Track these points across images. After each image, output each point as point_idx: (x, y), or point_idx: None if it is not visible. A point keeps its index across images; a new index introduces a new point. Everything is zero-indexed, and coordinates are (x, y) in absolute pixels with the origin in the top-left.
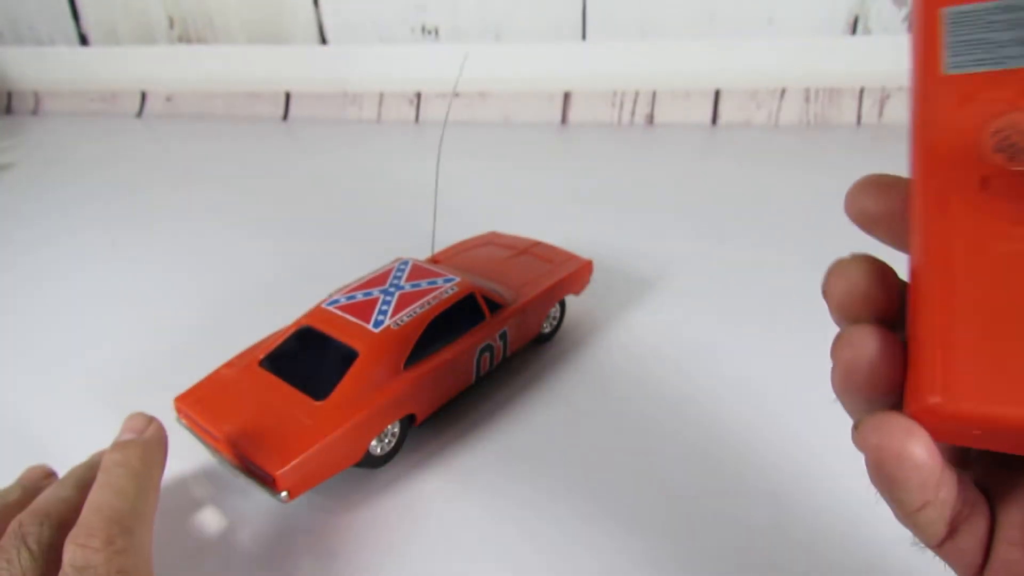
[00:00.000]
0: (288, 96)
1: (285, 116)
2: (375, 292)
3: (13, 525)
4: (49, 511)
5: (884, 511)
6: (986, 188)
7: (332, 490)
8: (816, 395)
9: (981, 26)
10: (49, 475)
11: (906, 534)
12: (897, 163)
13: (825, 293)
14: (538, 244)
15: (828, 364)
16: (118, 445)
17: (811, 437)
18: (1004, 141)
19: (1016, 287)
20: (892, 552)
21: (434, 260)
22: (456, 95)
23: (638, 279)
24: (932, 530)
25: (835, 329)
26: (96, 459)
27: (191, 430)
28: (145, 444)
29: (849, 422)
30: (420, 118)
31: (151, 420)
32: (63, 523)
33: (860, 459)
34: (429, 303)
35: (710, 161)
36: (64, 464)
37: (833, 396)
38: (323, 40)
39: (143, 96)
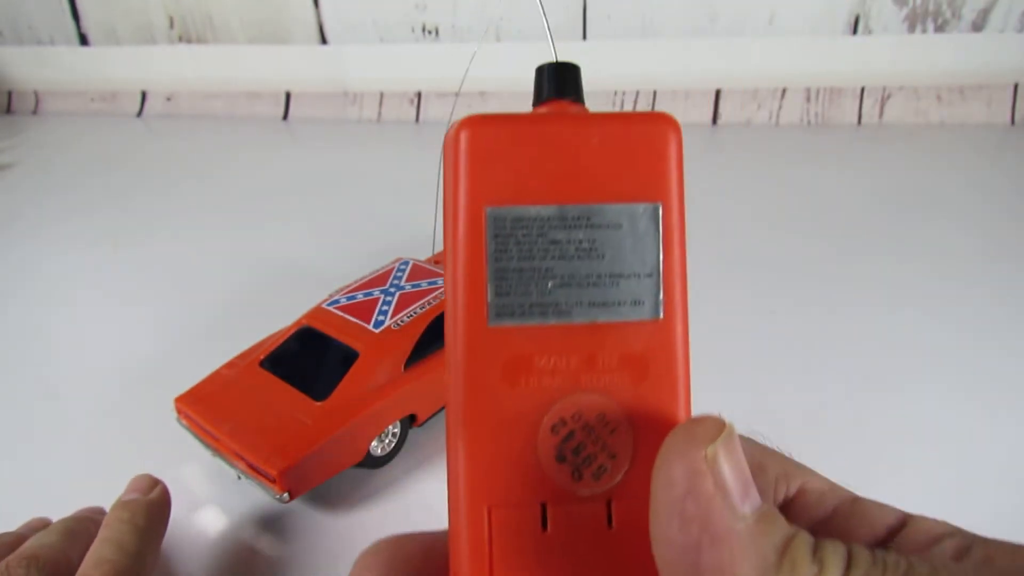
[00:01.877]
0: (288, 96)
1: (285, 116)
2: (375, 292)
3: (0, 567)
4: (36, 554)
5: None
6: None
7: (332, 490)
8: (819, 392)
9: (538, 246)
10: (48, 525)
11: None
12: (897, 164)
13: None
14: None
15: (833, 356)
16: (122, 503)
17: (813, 433)
18: (568, 443)
19: None
20: None
21: (435, 260)
22: (458, 95)
23: None
24: None
25: (831, 319)
26: (83, 512)
27: (191, 430)
28: (149, 504)
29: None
30: (420, 118)
31: (156, 482)
32: (49, 567)
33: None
34: (429, 303)
35: (710, 161)
36: (64, 462)
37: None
38: (323, 40)
39: (143, 96)
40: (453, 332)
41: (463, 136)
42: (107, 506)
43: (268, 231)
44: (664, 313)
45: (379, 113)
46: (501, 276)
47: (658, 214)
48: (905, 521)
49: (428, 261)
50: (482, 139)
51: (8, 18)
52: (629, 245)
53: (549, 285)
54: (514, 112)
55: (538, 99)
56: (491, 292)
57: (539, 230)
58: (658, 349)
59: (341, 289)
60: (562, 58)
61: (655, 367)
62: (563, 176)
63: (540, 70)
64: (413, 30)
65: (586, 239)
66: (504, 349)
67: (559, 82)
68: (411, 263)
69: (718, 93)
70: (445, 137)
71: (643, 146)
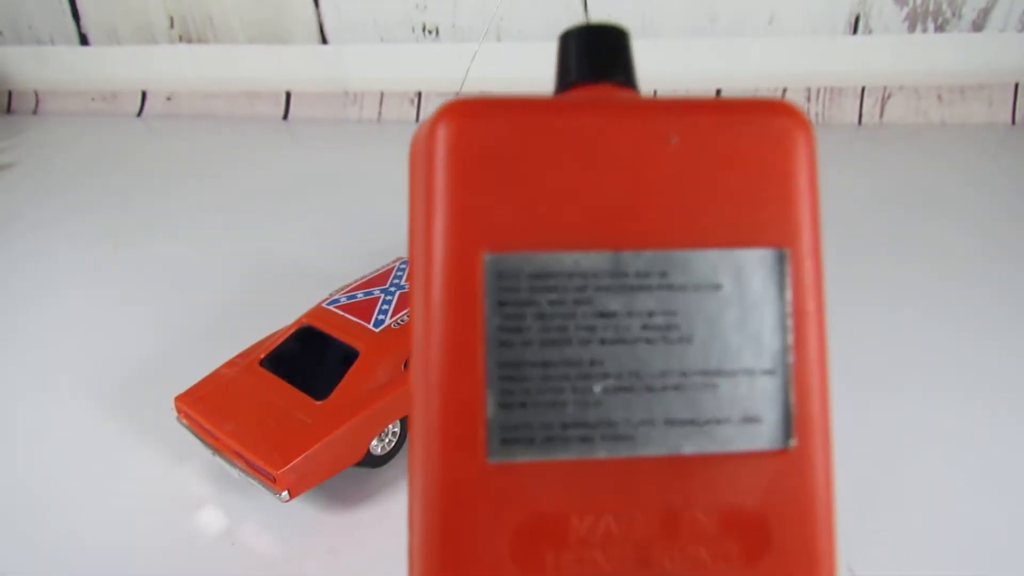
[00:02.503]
0: (288, 96)
1: (285, 116)
2: (376, 291)
3: None
4: None
5: None
6: None
7: (332, 490)
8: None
9: (577, 322)
10: None
11: None
12: (898, 163)
13: None
14: None
15: (832, 356)
16: None
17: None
18: None
19: None
20: None
21: None
22: (458, 94)
23: None
24: None
25: (831, 319)
26: None
27: (191, 429)
28: None
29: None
30: (421, 118)
31: None
32: None
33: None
34: None
35: None
36: (64, 462)
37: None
38: (323, 40)
39: (143, 96)
40: (422, 470)
41: (442, 134)
42: (103, 505)
43: (268, 231)
44: (798, 438)
45: (379, 113)
46: (511, 374)
47: (783, 267)
48: None
49: None
50: (475, 139)
51: (8, 18)
52: (734, 320)
53: (597, 389)
54: (528, 95)
55: (563, 83)
56: (492, 402)
57: (578, 294)
58: (788, 501)
59: (341, 288)
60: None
61: (784, 533)
62: (617, 203)
63: (566, 38)
64: (413, 30)
65: (660, 310)
66: (515, 504)
67: (598, 56)
68: None
69: (718, 93)
70: (414, 137)
71: (754, 155)
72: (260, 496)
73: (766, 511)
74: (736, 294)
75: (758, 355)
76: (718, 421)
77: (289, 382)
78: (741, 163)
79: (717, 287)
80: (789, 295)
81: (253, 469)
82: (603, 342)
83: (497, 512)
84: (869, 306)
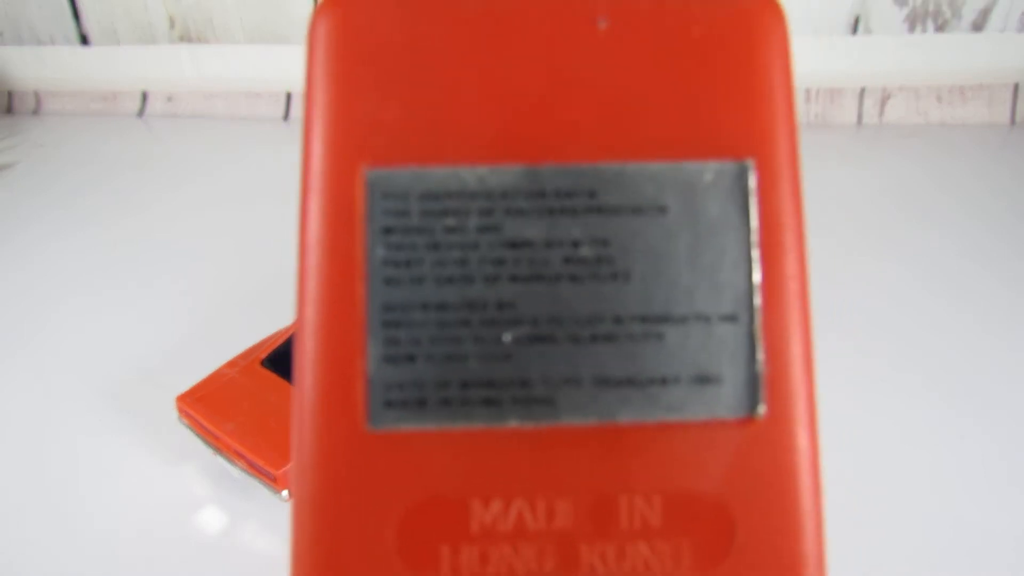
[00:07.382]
0: (289, 96)
1: (286, 116)
2: None
3: None
4: None
5: None
6: None
7: None
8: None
9: (482, 254)
10: None
11: None
12: (898, 164)
13: None
14: None
15: (831, 357)
16: None
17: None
18: None
19: None
20: None
21: None
22: None
23: None
24: None
25: (830, 320)
26: None
27: (192, 429)
28: None
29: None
30: None
31: None
32: None
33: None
34: None
35: None
36: (63, 462)
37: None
38: None
39: (144, 96)
40: (298, 439)
41: (320, 27)
42: (103, 505)
43: (269, 230)
44: (768, 404)
45: None
46: (398, 320)
47: (747, 183)
48: None
49: None
50: (358, 31)
51: (8, 18)
52: (683, 252)
53: (507, 339)
54: None
55: None
56: (374, 355)
57: (483, 219)
58: (757, 486)
59: None
60: None
61: (751, 527)
62: (534, 105)
63: None
64: None
65: (588, 238)
66: (402, 484)
67: None
68: None
69: None
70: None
71: (708, 42)
72: (261, 496)
73: (728, 499)
74: (686, 219)
75: (715, 297)
76: (664, 381)
77: (290, 382)
78: (691, 53)
79: (661, 210)
80: (755, 220)
81: (254, 469)
82: (515, 279)
83: (380, 494)
84: (868, 307)
